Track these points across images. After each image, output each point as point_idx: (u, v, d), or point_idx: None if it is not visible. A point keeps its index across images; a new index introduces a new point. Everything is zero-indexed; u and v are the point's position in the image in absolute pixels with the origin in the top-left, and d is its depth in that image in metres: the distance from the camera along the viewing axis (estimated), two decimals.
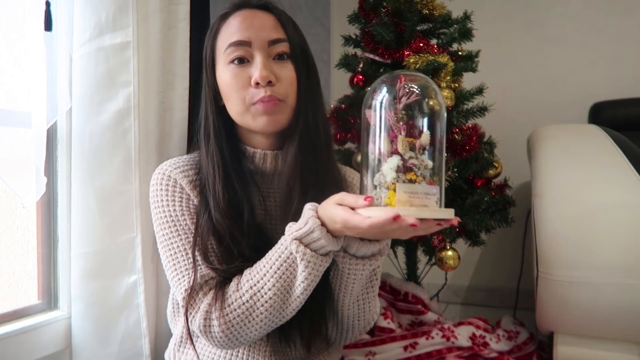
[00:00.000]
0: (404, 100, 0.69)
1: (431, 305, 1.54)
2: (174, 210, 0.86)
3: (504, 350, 1.34)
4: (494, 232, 1.61)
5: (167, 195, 0.87)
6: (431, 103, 0.71)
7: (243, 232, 0.84)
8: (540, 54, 2.16)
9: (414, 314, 1.50)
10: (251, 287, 0.78)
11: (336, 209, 0.70)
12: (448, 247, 1.47)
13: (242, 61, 0.85)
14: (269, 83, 0.83)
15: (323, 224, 0.73)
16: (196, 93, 1.28)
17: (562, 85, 2.13)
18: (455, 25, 1.54)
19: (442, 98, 0.73)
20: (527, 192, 1.49)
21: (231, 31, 0.86)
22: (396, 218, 0.63)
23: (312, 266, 0.75)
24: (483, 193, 1.50)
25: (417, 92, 0.69)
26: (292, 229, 0.76)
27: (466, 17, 1.52)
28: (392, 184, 0.66)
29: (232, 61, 0.85)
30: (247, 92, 0.84)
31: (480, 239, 1.60)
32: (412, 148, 0.68)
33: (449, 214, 0.67)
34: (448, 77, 1.40)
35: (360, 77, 1.55)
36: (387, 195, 0.67)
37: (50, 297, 1.16)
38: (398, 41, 1.49)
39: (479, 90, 1.54)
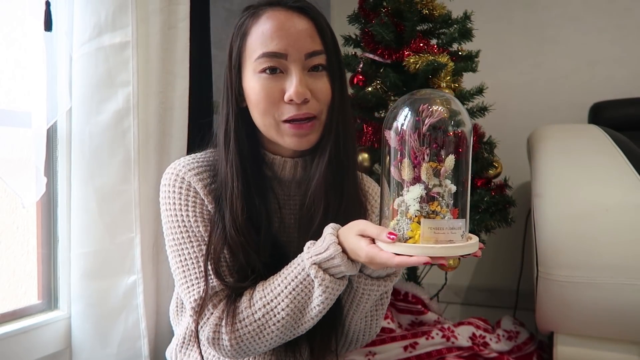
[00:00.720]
0: (427, 121, 0.64)
1: (431, 305, 1.54)
2: (187, 215, 0.82)
3: (504, 350, 1.34)
4: (494, 232, 1.61)
5: (180, 199, 0.82)
6: (457, 124, 0.66)
7: (258, 250, 0.80)
8: (540, 54, 2.16)
9: (414, 314, 1.50)
10: (264, 306, 0.76)
11: (360, 243, 0.67)
12: None
13: (275, 71, 0.79)
14: (304, 100, 0.78)
15: (344, 251, 0.71)
16: (195, 93, 1.28)
17: (562, 85, 2.13)
18: (455, 25, 1.54)
19: (468, 118, 0.68)
20: (527, 192, 1.49)
21: (265, 37, 0.78)
22: (426, 263, 0.61)
23: (330, 291, 0.73)
24: (483, 193, 1.50)
25: (442, 111, 0.65)
26: (311, 252, 0.73)
27: (466, 17, 1.52)
28: (416, 216, 0.64)
29: (264, 70, 0.79)
30: (278, 106, 0.79)
31: (480, 239, 1.59)
32: (436, 174, 0.65)
33: (474, 247, 0.65)
34: (448, 77, 1.40)
35: (360, 77, 1.55)
36: (410, 227, 0.64)
37: (50, 297, 1.16)
38: (398, 41, 1.49)
39: (479, 90, 1.54)
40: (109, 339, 1.14)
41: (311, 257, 0.73)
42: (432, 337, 1.31)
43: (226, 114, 0.84)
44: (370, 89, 1.51)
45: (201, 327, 0.79)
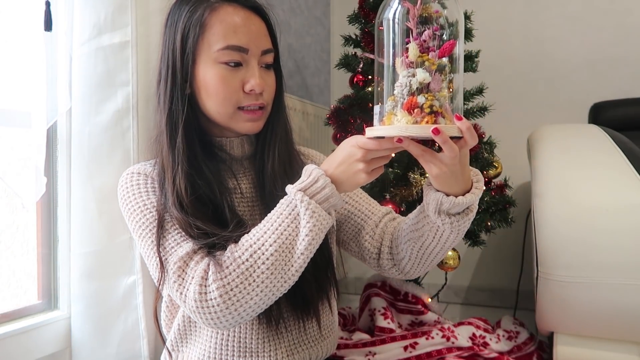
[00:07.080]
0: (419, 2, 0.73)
1: (431, 305, 1.54)
2: (148, 197, 0.84)
3: (504, 350, 1.34)
4: (494, 232, 1.61)
5: (138, 187, 0.86)
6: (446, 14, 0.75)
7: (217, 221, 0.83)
8: (540, 53, 2.16)
9: (414, 314, 1.50)
10: (251, 246, 0.75)
11: (336, 149, 0.78)
12: None
13: (239, 65, 0.86)
14: (261, 92, 0.88)
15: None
16: None
17: (562, 85, 2.13)
18: (454, 27, 1.53)
19: (457, 8, 0.74)
20: (527, 192, 1.49)
21: (229, 31, 0.85)
22: (399, 141, 0.68)
23: (317, 217, 0.74)
24: (483, 193, 1.50)
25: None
26: (294, 184, 0.77)
27: (466, 17, 1.52)
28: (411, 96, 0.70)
29: (227, 62, 0.85)
30: (237, 95, 0.87)
31: (480, 239, 1.60)
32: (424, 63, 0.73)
33: (451, 129, 0.71)
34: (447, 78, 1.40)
35: (360, 77, 1.55)
36: (401, 114, 0.71)
37: (50, 297, 1.16)
38: None
39: (479, 90, 1.54)
40: (109, 339, 1.14)
41: (295, 186, 0.77)
42: (432, 337, 1.31)
43: (170, 100, 0.87)
44: (370, 89, 1.51)
45: (186, 288, 0.76)
